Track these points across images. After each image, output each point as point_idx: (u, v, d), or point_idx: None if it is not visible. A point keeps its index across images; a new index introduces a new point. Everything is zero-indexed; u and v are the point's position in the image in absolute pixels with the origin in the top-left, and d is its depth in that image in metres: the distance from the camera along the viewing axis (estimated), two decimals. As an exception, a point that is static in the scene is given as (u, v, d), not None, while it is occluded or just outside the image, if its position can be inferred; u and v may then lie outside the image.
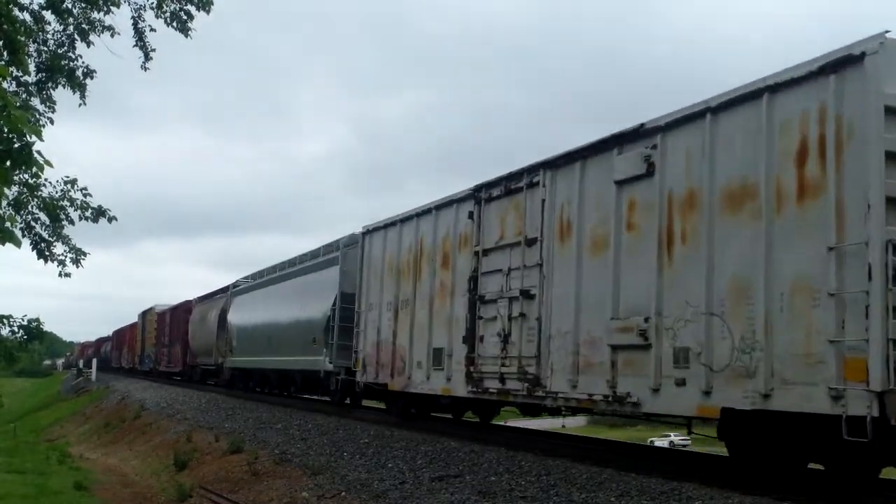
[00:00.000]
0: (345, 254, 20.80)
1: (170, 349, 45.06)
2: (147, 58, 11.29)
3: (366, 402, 22.02)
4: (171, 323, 44.96)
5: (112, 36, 11.06)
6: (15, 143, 3.72)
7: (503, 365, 13.20)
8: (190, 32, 10.88)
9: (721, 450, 11.04)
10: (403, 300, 17.04)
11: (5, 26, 8.56)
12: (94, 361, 67.56)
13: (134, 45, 11.18)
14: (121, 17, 11.13)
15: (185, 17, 10.78)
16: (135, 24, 11.07)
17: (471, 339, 14.24)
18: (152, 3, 10.81)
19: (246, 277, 33.18)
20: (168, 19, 10.84)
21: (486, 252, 14.17)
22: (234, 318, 31.63)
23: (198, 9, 10.73)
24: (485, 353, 13.78)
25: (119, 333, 71.65)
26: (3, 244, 3.98)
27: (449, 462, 12.42)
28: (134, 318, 62.15)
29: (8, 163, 3.74)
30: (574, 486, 9.98)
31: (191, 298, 42.26)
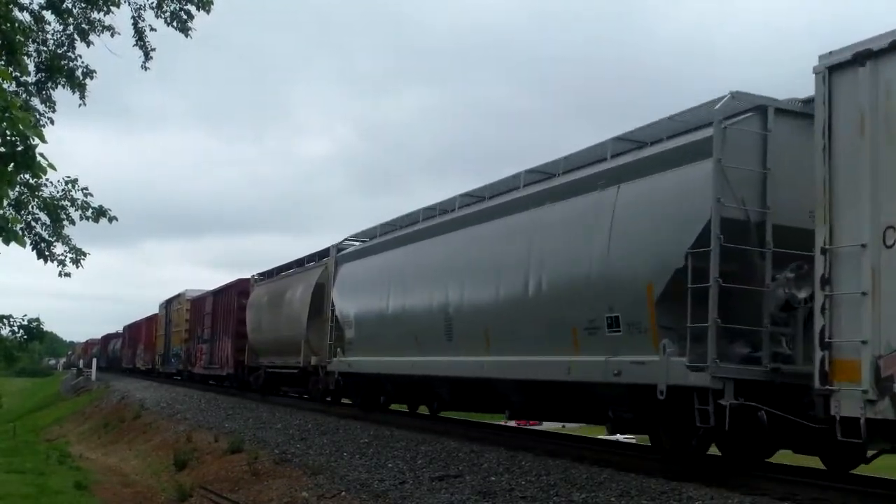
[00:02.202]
0: (722, 135, 9.72)
1: (212, 345, 33.99)
2: (147, 57, 11.32)
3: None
4: (214, 311, 33.94)
5: (112, 36, 11.09)
6: (18, 145, 3.72)
7: None
8: (190, 32, 10.90)
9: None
10: None
11: (4, 26, 8.57)
12: (94, 361, 67.35)
13: (134, 45, 11.21)
14: (121, 17, 11.15)
15: (185, 17, 10.80)
16: (135, 24, 11.09)
17: None
18: (152, 3, 10.84)
19: (357, 235, 21.31)
20: (168, 19, 10.86)
21: None
22: (345, 296, 20.29)
23: (198, 8, 10.75)
24: None
25: (132, 328, 61.29)
26: (8, 244, 3.99)
27: (449, 462, 12.42)
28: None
29: (11, 165, 3.74)
30: (574, 486, 9.98)
31: (245, 276, 31.37)
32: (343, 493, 11.34)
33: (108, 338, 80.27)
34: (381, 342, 17.89)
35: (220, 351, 32.56)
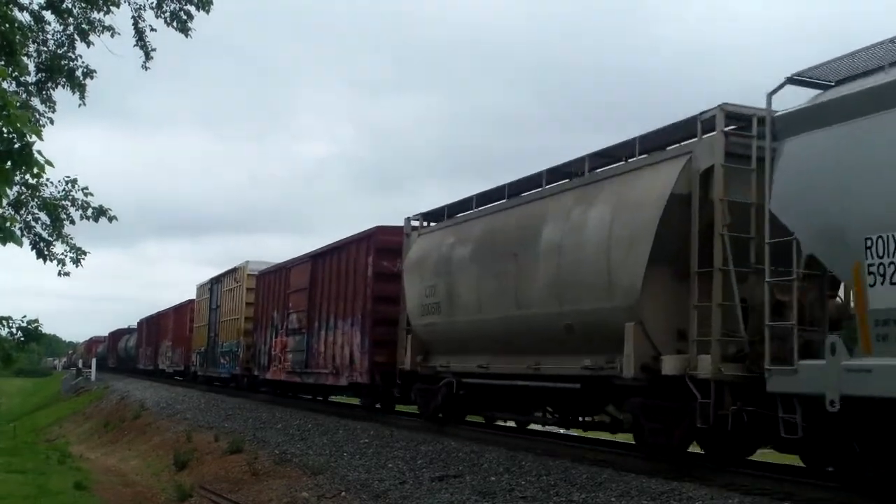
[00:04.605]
0: None
1: (310, 339, 22.07)
2: (147, 57, 11.32)
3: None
4: (313, 285, 22.03)
5: (112, 36, 11.08)
6: (15, 143, 3.72)
7: None
8: (190, 32, 10.91)
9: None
10: None
11: (4, 26, 8.57)
12: (94, 361, 67.00)
13: (134, 45, 11.21)
14: (121, 17, 11.15)
15: (184, 17, 10.80)
16: (135, 24, 11.09)
17: None
18: (152, 3, 10.83)
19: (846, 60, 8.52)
20: (168, 19, 10.86)
21: None
22: (850, 207, 7.97)
23: (198, 8, 10.74)
24: None
25: (153, 322, 49.47)
26: (4, 244, 3.99)
27: (449, 462, 12.42)
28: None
29: (9, 163, 3.75)
30: (574, 486, 9.98)
31: (391, 225, 18.47)
32: (343, 493, 11.35)
33: (117, 334, 67.97)
34: None
35: (329, 347, 20.60)
